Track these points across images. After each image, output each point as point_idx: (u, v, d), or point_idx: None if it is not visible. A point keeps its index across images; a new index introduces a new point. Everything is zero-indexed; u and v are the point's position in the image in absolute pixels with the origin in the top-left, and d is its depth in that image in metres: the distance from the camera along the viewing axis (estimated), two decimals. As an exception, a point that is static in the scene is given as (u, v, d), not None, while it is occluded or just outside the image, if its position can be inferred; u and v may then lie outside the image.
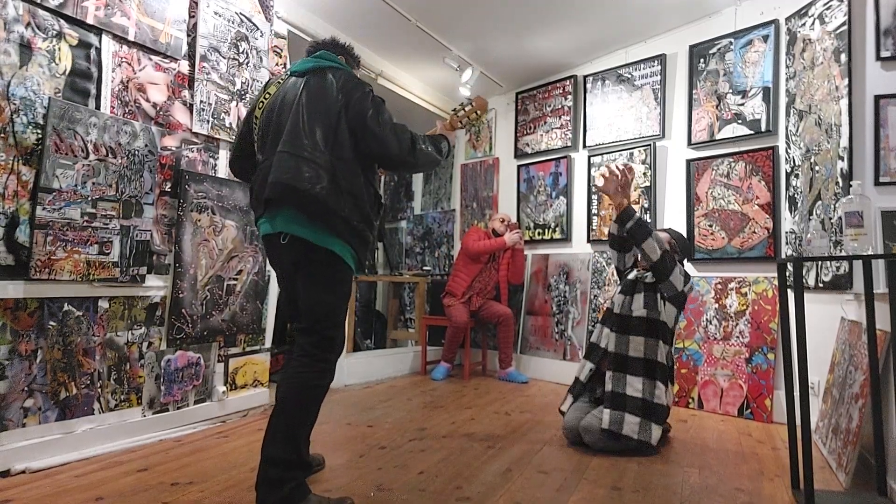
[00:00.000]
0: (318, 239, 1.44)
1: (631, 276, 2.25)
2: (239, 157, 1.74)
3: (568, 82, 3.79)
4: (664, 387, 2.04)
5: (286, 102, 1.53)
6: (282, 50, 2.85)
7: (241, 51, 2.51)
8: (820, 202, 2.33)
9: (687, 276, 2.12)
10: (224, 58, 2.44)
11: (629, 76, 3.43)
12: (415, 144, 1.55)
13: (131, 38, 2.06)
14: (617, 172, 2.15)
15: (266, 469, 1.39)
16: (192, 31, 2.31)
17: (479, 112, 1.88)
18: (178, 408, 2.22)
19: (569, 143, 3.73)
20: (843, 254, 1.59)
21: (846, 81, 2.19)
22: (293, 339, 1.54)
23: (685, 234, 2.96)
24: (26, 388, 1.76)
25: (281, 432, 1.40)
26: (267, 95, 1.63)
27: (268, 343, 2.64)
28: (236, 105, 2.48)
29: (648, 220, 2.23)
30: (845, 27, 2.23)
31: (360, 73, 1.75)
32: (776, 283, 2.60)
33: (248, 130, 1.67)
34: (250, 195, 1.60)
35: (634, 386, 2.03)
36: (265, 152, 1.54)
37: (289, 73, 1.63)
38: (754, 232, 2.80)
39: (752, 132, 2.84)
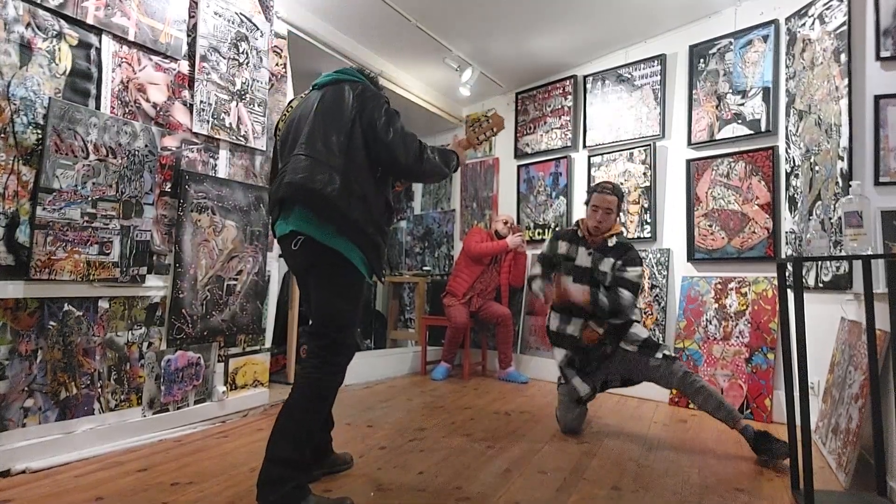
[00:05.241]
0: (325, 238, 1.47)
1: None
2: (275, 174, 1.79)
3: (568, 82, 3.79)
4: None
5: (304, 113, 1.61)
6: (282, 50, 2.85)
7: (241, 51, 2.52)
8: (820, 202, 2.33)
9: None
10: (224, 58, 2.44)
11: (629, 76, 3.43)
12: (422, 153, 1.60)
13: (131, 38, 2.06)
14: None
15: (268, 467, 1.41)
16: (192, 31, 2.31)
17: (495, 129, 1.94)
18: (178, 408, 2.22)
19: (569, 144, 3.73)
20: (843, 254, 1.59)
21: (846, 81, 2.19)
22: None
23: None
24: (26, 388, 1.76)
25: (285, 432, 1.44)
26: (289, 109, 1.72)
27: (268, 343, 2.65)
28: (236, 105, 2.48)
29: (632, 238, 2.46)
30: (845, 27, 2.23)
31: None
32: (776, 283, 2.60)
33: (275, 146, 1.75)
34: (269, 199, 1.67)
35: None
36: (284, 159, 1.61)
37: (311, 87, 1.72)
38: (754, 232, 2.80)
39: (751, 132, 2.84)
